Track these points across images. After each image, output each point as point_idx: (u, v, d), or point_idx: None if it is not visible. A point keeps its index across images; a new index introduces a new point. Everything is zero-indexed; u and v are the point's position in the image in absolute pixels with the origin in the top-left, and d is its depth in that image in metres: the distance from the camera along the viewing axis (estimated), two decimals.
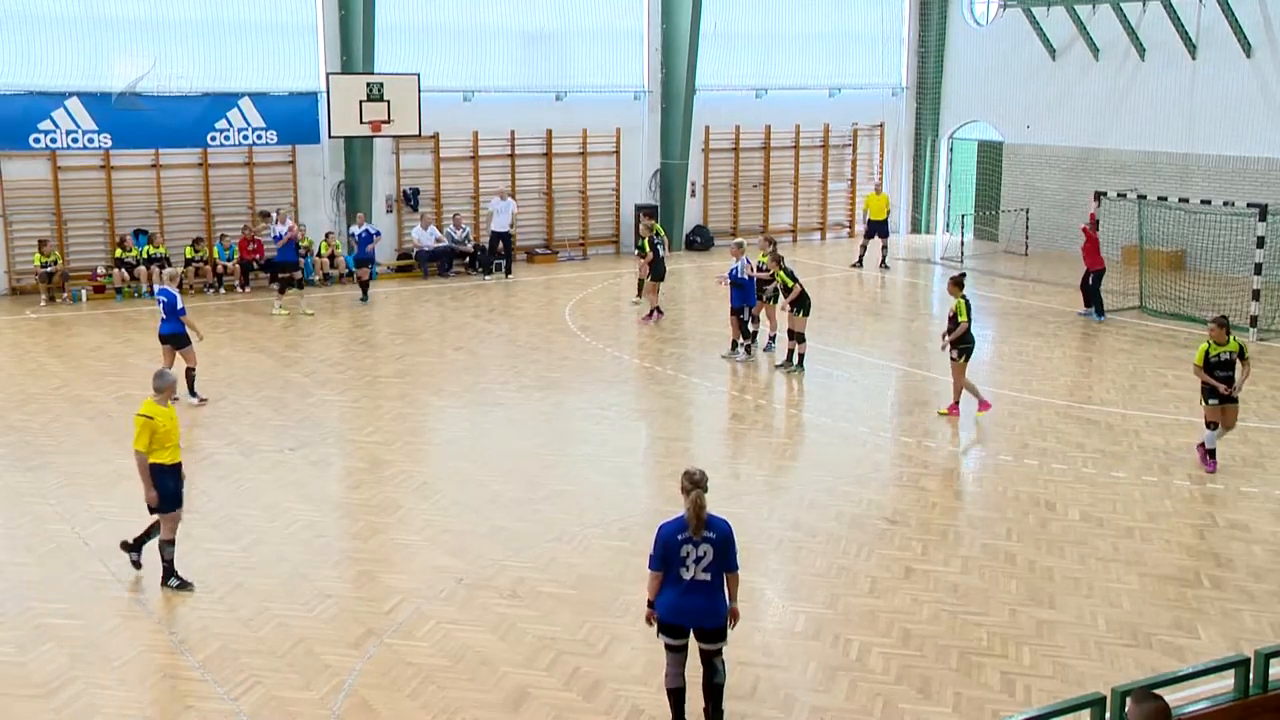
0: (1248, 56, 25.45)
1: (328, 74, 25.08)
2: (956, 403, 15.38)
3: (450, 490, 12.88)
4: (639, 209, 29.00)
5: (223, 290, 24.21)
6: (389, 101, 24.85)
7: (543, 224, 28.63)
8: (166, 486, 10.20)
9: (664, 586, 7.74)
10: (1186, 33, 26.31)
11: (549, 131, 28.09)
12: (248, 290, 24.23)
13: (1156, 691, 5.66)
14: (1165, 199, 23.04)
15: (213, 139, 24.44)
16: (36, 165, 23.60)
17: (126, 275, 23.59)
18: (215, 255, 24.41)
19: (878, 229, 27.05)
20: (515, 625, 9.66)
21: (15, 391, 16.82)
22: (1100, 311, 21.28)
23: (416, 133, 25.53)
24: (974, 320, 15.40)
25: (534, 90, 27.78)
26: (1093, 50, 28.33)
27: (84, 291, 23.57)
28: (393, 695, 8.57)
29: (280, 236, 22.19)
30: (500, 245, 26.20)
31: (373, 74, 25.07)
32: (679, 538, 7.66)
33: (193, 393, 16.26)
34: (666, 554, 7.68)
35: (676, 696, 7.94)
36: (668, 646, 7.87)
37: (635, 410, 16.37)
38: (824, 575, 10.63)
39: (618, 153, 28.99)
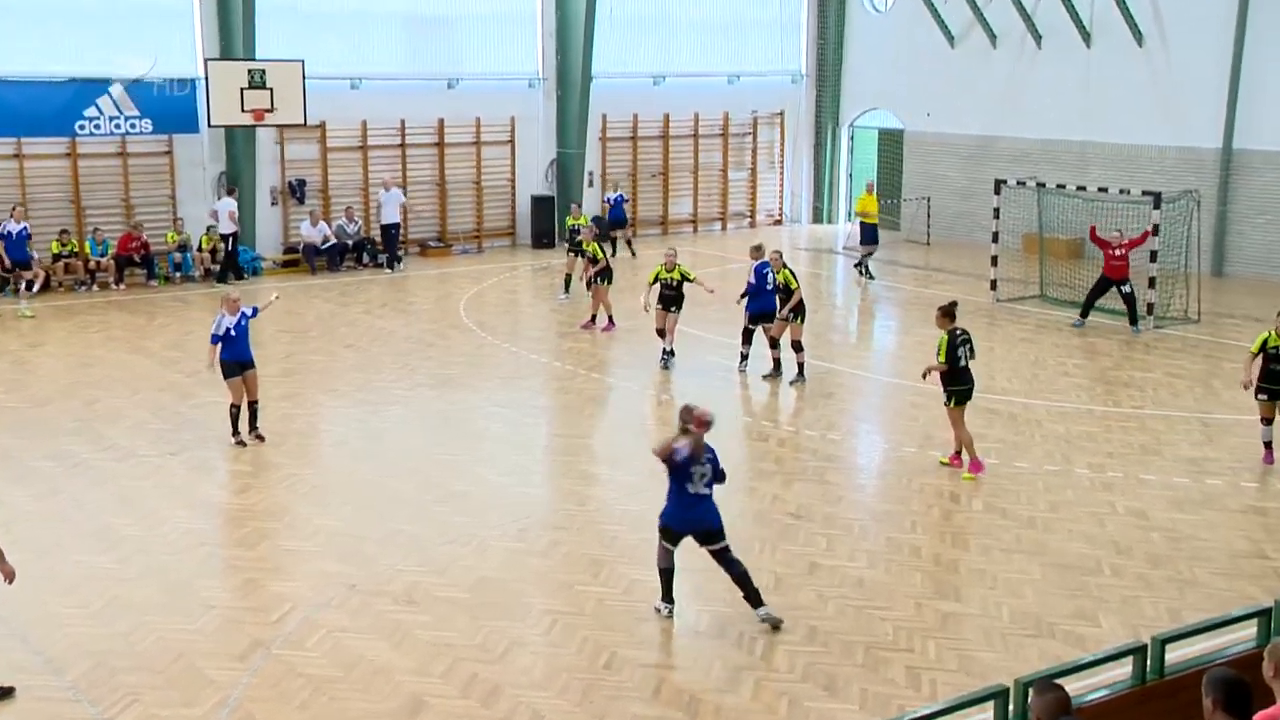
0: (1140, 46, 26.22)
1: (206, 60, 24.54)
2: (958, 453, 13.40)
3: (342, 493, 12.72)
4: (535, 200, 28.96)
5: (95, 287, 23.56)
6: (272, 89, 24.38)
7: (436, 216, 28.37)
8: None
9: (671, 498, 9.45)
10: (1081, 21, 27.00)
11: (440, 120, 27.84)
12: (123, 287, 23.60)
13: (1057, 681, 5.80)
14: (1064, 186, 23.63)
15: (81, 128, 23.73)
16: None
17: None
18: (87, 250, 23.71)
19: (868, 233, 24.93)
20: (410, 632, 9.56)
21: None
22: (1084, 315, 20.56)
23: (302, 122, 25.11)
24: (959, 355, 13.02)
25: (424, 77, 27.51)
26: (990, 37, 28.93)
27: None
28: (281, 708, 8.43)
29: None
30: (388, 237, 25.98)
31: (254, 60, 24.57)
32: (690, 458, 9.28)
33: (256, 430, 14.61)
34: (678, 469, 9.30)
35: (667, 575, 9.72)
36: (663, 545, 9.62)
37: (534, 407, 16.32)
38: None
39: (512, 142, 28.84)
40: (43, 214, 24.01)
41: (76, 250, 23.71)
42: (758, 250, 17.49)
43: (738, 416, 15.64)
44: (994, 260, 22.92)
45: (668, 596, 9.78)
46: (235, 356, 14.29)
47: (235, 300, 14.45)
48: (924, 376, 13.42)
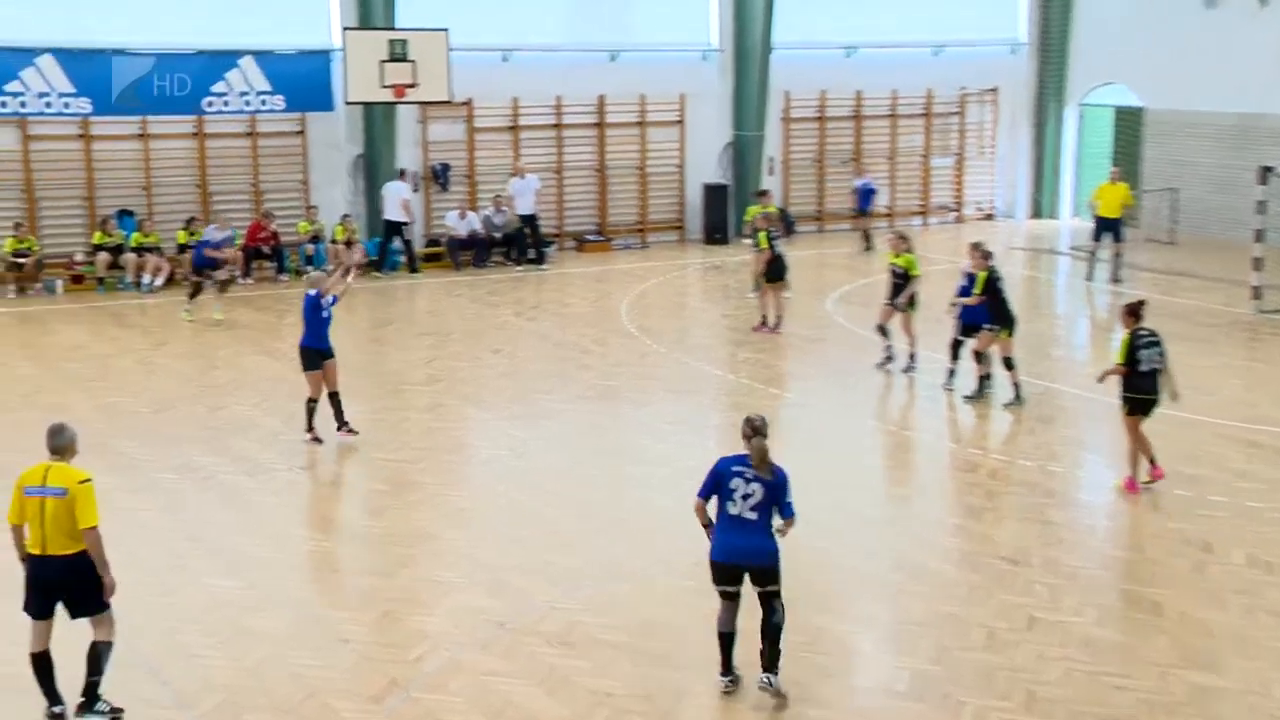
0: None
1: (344, 29, 25.32)
2: (1134, 476, 13.48)
3: (490, 518, 12.95)
4: (707, 188, 29.07)
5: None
6: (414, 62, 25.03)
7: (595, 207, 28.77)
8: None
9: (716, 525, 9.10)
10: None
11: (601, 98, 28.21)
12: (250, 281, 24.53)
13: None
14: None
15: (209, 105, 24.77)
16: (3, 134, 24.03)
17: (110, 263, 24.00)
18: None
19: (1109, 228, 24.27)
20: (566, 678, 9.67)
21: None
22: None
23: (446, 98, 25.72)
24: (1140, 358, 13.24)
25: (584, 49, 27.93)
26: None
27: (60, 282, 24.04)
28: None
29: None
30: (527, 230, 26.48)
31: (395, 30, 25.28)
32: (733, 469, 9.02)
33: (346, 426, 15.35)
34: (717, 482, 9.05)
35: (726, 641, 9.21)
36: (721, 594, 9.14)
37: (705, 426, 16.40)
38: (930, 624, 10.57)
39: (682, 122, 29.05)
40: (166, 200, 25.19)
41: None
42: (976, 248, 16.94)
43: (940, 442, 15.42)
44: (1257, 263, 22.06)
45: (727, 669, 9.33)
46: (316, 344, 14.98)
47: (323, 277, 15.38)
48: (1100, 380, 13.56)
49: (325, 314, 15.14)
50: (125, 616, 9.63)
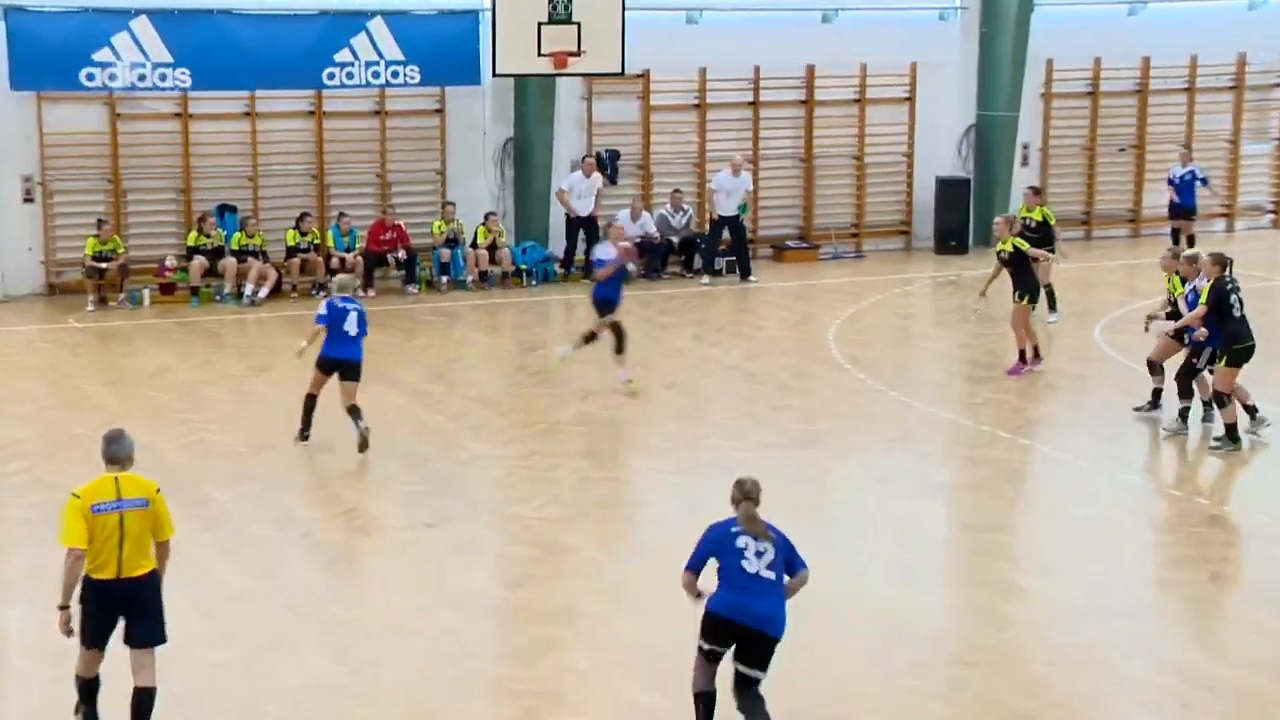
0: None
1: None
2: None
3: (655, 590, 12.77)
4: (942, 183, 28.77)
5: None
6: (579, 24, 25.23)
7: (799, 205, 28.75)
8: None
9: (721, 583, 9.83)
10: None
11: (810, 69, 28.23)
12: (372, 293, 25.01)
13: None
14: None
15: (331, 77, 25.32)
16: (88, 112, 24.93)
17: (206, 269, 24.68)
18: (330, 243, 25.36)
19: None
20: None
21: (50, 431, 17.71)
22: None
23: (618, 70, 25.92)
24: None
25: (789, 7, 27.99)
26: None
27: (147, 292, 24.80)
28: None
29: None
30: (729, 236, 26.45)
31: None
32: (733, 530, 9.84)
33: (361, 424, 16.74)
34: (719, 549, 9.85)
35: (706, 702, 9.92)
36: (703, 653, 9.87)
37: (931, 484, 16.24)
38: None
39: (912, 99, 28.94)
40: (276, 193, 25.94)
41: (318, 242, 25.41)
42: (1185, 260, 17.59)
43: (1243, 514, 15.08)
44: None
45: None
46: (343, 354, 16.53)
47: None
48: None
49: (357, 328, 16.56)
50: (210, 700, 9.87)
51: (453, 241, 25.87)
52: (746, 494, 9.95)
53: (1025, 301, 19.69)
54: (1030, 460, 16.96)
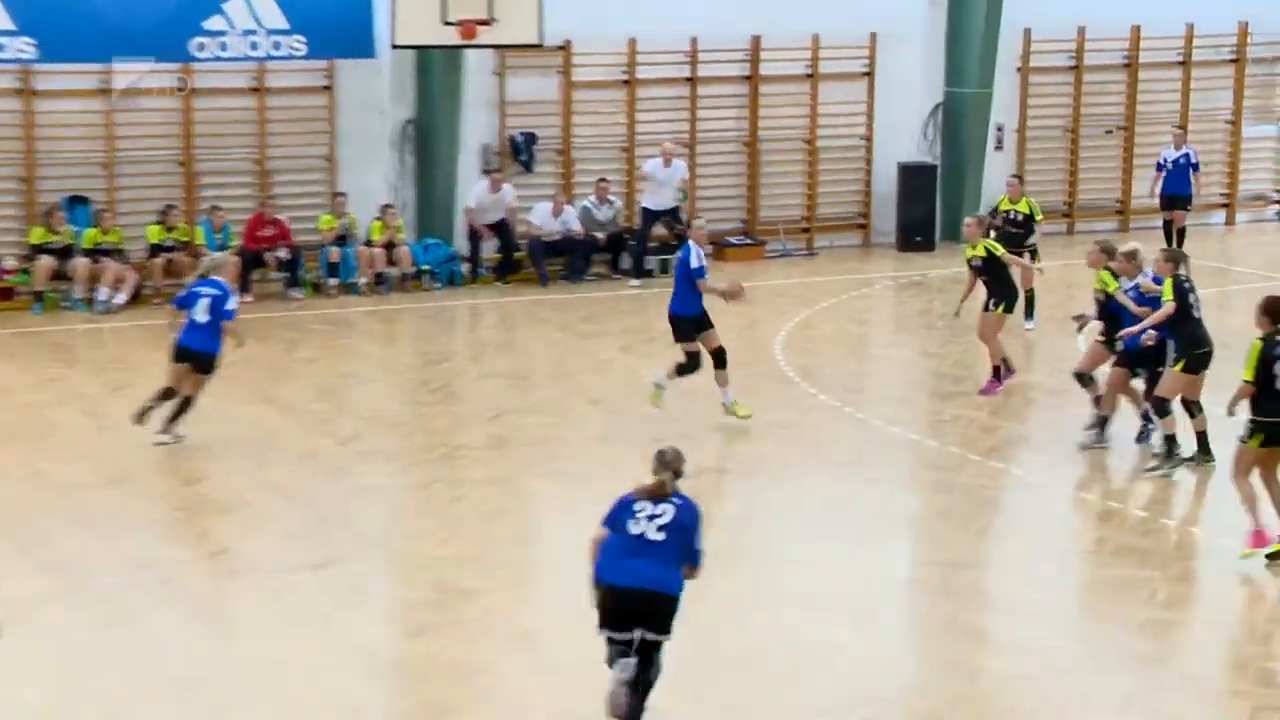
0: None
1: None
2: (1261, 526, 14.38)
3: (571, 644, 12.55)
4: (905, 170, 28.82)
5: None
6: None
7: (741, 196, 28.78)
8: None
9: (606, 547, 10.61)
10: None
11: (755, 40, 28.23)
12: (249, 298, 24.63)
13: None
14: None
15: (200, 48, 24.90)
16: None
17: (53, 271, 24.28)
18: (200, 240, 25.03)
19: None
20: None
21: None
22: None
23: (535, 41, 25.66)
24: (1276, 373, 14.25)
25: None
26: None
27: None
28: None
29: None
30: (665, 229, 26.47)
31: None
32: (632, 498, 10.62)
33: (171, 429, 17.45)
34: (619, 511, 10.64)
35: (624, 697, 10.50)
36: (611, 646, 10.55)
37: (889, 514, 16.24)
38: None
39: (871, 75, 29.00)
40: (138, 182, 25.64)
41: (186, 239, 25.07)
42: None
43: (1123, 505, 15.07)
44: None
45: None
46: (190, 343, 17.34)
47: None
48: (1231, 412, 14.41)
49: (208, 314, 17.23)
50: None
51: (343, 239, 25.64)
52: (666, 464, 10.61)
53: (1001, 310, 19.71)
54: (1004, 486, 16.95)
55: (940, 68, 29.43)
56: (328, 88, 26.27)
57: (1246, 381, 14.21)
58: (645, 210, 26.58)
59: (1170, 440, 16.89)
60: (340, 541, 15.05)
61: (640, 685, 10.58)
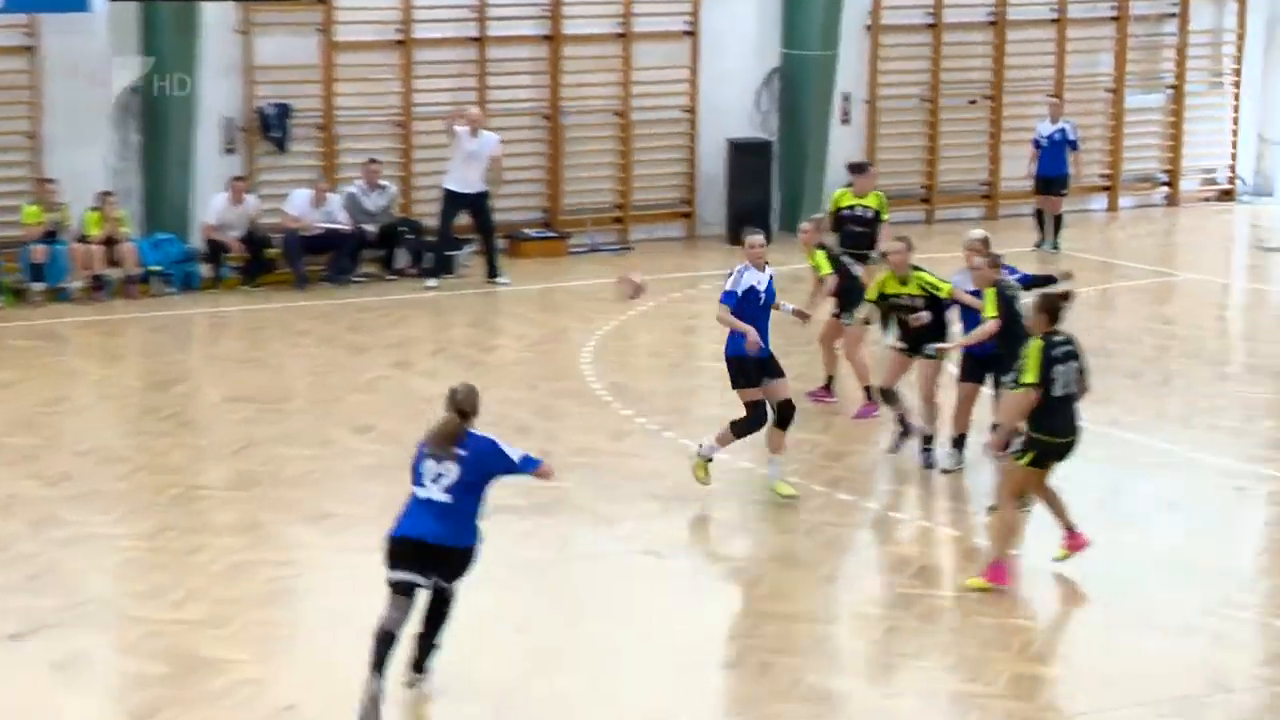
0: None
1: None
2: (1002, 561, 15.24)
3: (342, 718, 12.54)
4: (735, 147, 28.95)
5: None
6: None
7: (541, 180, 28.92)
8: None
9: (405, 506, 12.35)
10: None
11: None
12: None
13: None
14: None
15: None
16: None
17: None
18: None
19: None
20: None
21: None
22: None
23: None
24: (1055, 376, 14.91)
25: None
26: None
27: None
28: None
29: None
30: (472, 218, 26.56)
31: None
32: (424, 451, 12.32)
33: None
34: (414, 467, 12.36)
35: (383, 640, 12.00)
36: (392, 588, 12.15)
37: (719, 559, 16.43)
38: None
39: (695, 34, 29.20)
40: None
41: None
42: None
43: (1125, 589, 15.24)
44: None
45: (378, 667, 12.02)
46: None
47: None
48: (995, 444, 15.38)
49: None
50: None
51: (52, 234, 25.26)
52: (455, 404, 12.29)
53: (858, 317, 19.73)
54: (854, 522, 17.06)
55: (777, 26, 29.74)
56: (30, 49, 25.92)
57: (1029, 385, 14.66)
58: (448, 193, 26.43)
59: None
60: (48, 605, 14.68)
61: (435, 628, 12.43)
